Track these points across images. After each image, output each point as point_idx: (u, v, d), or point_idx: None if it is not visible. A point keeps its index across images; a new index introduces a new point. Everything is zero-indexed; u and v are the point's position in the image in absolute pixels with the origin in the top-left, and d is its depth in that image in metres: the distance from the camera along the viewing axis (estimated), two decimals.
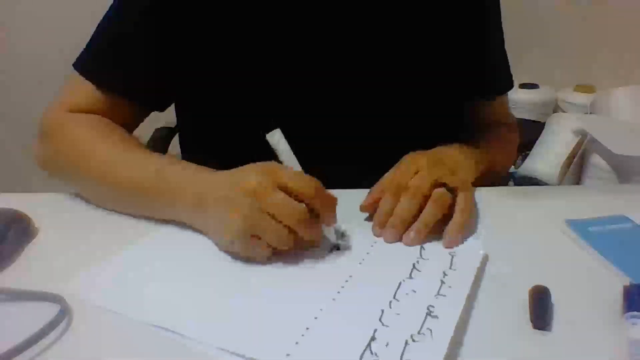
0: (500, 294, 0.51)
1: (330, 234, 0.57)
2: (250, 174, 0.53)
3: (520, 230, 0.63)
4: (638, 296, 0.47)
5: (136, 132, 0.79)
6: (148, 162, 0.63)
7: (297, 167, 0.57)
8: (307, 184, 0.53)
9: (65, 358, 0.43)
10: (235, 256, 0.55)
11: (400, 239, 0.58)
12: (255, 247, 0.53)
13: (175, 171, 0.60)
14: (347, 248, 0.57)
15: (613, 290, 0.49)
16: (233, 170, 0.56)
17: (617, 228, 0.62)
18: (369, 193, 0.63)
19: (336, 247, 0.57)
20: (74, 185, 0.68)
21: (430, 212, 0.58)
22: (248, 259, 0.54)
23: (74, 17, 0.86)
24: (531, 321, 0.47)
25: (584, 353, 0.44)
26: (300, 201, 0.52)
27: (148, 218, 0.63)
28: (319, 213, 0.54)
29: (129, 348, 0.44)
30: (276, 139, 0.56)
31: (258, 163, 0.55)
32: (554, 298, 0.49)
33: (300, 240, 0.54)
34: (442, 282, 0.51)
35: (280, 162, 0.56)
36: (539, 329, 0.46)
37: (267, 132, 0.57)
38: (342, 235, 0.59)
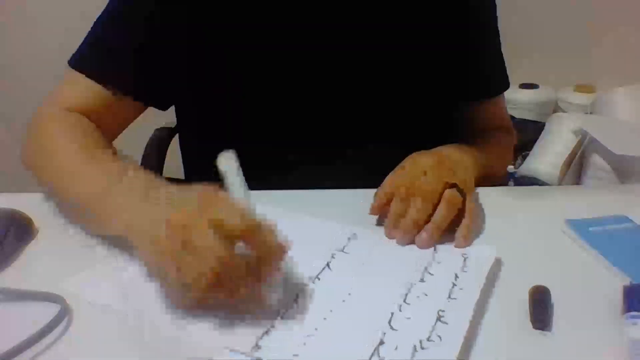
0: (500, 294, 0.51)
1: (268, 293, 0.45)
2: (183, 202, 0.46)
3: (520, 230, 0.63)
4: (638, 296, 0.47)
5: (136, 132, 0.78)
6: (99, 177, 0.58)
7: (246, 198, 0.48)
8: (245, 224, 0.43)
9: (65, 358, 0.43)
10: None
11: (413, 242, 0.58)
12: (170, 289, 0.47)
13: (117, 193, 0.54)
14: (294, 316, 0.46)
15: (613, 290, 0.49)
16: (175, 194, 0.50)
17: (617, 228, 0.62)
18: (375, 196, 0.62)
19: (277, 313, 0.45)
20: (41, 183, 0.67)
21: (442, 214, 0.58)
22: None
23: (75, 18, 0.86)
24: (531, 321, 0.46)
25: (584, 353, 0.44)
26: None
27: None
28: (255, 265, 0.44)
29: (129, 348, 0.44)
30: (226, 163, 0.48)
31: (200, 189, 0.48)
32: (554, 298, 0.49)
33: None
34: (454, 284, 0.51)
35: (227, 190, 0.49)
36: (539, 329, 0.46)
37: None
38: (295, 297, 0.48)
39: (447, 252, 0.57)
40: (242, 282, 0.44)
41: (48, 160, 0.64)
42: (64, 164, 0.62)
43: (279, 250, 0.45)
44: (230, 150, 0.49)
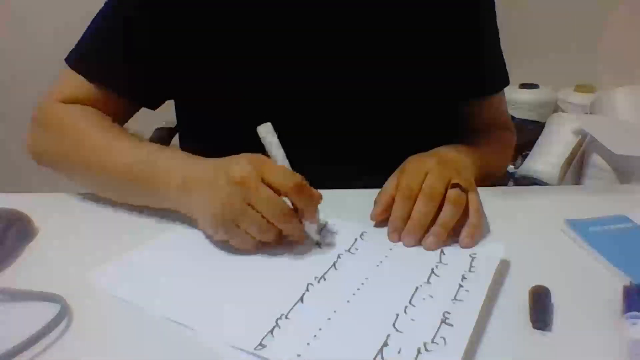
0: (500, 294, 0.51)
1: (311, 230, 0.57)
2: (237, 164, 0.54)
3: (520, 230, 0.63)
4: (638, 296, 0.47)
5: (136, 132, 0.79)
6: (137, 149, 0.63)
7: (284, 162, 0.57)
8: (290, 180, 0.53)
9: (65, 358, 0.43)
10: (233, 251, 0.56)
11: (419, 244, 0.58)
12: (235, 235, 0.54)
13: (164, 157, 0.61)
14: (329, 245, 0.57)
15: (613, 290, 0.49)
16: (221, 159, 0.57)
17: (617, 228, 0.62)
18: (376, 201, 0.62)
19: (317, 244, 0.57)
20: (64, 173, 0.69)
21: (448, 214, 0.58)
22: (236, 250, 0.56)
23: (75, 18, 0.86)
24: (531, 321, 0.46)
25: (584, 353, 0.44)
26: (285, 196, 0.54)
27: (142, 212, 0.63)
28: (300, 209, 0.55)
29: (129, 347, 0.44)
30: (266, 131, 0.57)
31: (246, 154, 0.56)
32: (554, 298, 0.49)
33: (282, 234, 0.55)
34: (460, 285, 0.50)
35: (268, 155, 0.57)
36: (539, 329, 0.46)
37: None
38: (325, 231, 0.60)
39: (454, 253, 0.56)
40: (289, 225, 0.54)
41: (74, 144, 0.66)
42: (95, 142, 0.65)
43: (315, 199, 0.55)
44: (267, 122, 0.57)
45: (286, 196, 0.53)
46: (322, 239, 0.58)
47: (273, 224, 0.53)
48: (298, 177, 0.54)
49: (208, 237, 0.58)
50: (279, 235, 0.55)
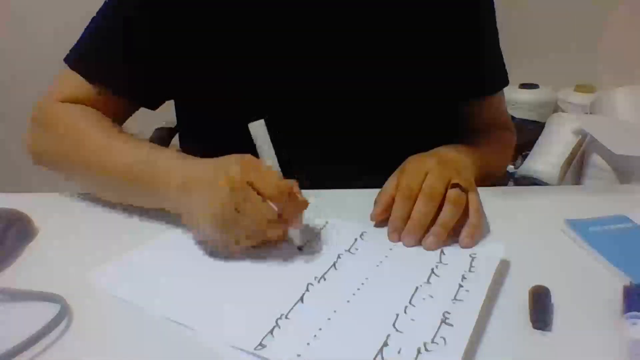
0: (500, 294, 0.51)
1: (294, 235, 0.57)
2: (230, 167, 0.53)
3: (520, 230, 0.63)
4: (638, 296, 0.47)
5: (136, 131, 0.79)
6: (137, 149, 0.63)
7: (274, 162, 0.56)
8: (278, 189, 0.53)
9: (65, 358, 0.43)
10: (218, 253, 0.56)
11: (419, 243, 0.58)
12: (235, 235, 0.54)
13: (164, 157, 0.61)
14: (312, 249, 0.57)
15: (613, 290, 0.49)
16: (217, 159, 0.57)
17: (617, 228, 0.62)
18: (376, 201, 0.62)
19: (299, 248, 0.57)
20: (64, 173, 0.69)
21: (448, 214, 0.58)
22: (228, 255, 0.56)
23: (75, 18, 0.86)
24: (531, 321, 0.47)
25: (584, 353, 0.44)
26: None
27: (140, 212, 0.63)
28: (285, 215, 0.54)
29: (129, 347, 0.44)
30: (257, 129, 0.56)
31: (237, 156, 0.55)
32: (554, 298, 0.49)
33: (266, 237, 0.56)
34: (460, 285, 0.50)
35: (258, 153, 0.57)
36: (539, 329, 0.46)
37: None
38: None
39: (454, 253, 0.56)
40: (275, 230, 0.55)
41: (73, 144, 0.66)
42: (95, 142, 0.65)
43: (300, 207, 0.56)
44: (261, 119, 0.56)
45: (274, 202, 0.53)
46: (318, 241, 0.58)
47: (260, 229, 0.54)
48: (288, 184, 0.54)
49: (201, 242, 0.58)
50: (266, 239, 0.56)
